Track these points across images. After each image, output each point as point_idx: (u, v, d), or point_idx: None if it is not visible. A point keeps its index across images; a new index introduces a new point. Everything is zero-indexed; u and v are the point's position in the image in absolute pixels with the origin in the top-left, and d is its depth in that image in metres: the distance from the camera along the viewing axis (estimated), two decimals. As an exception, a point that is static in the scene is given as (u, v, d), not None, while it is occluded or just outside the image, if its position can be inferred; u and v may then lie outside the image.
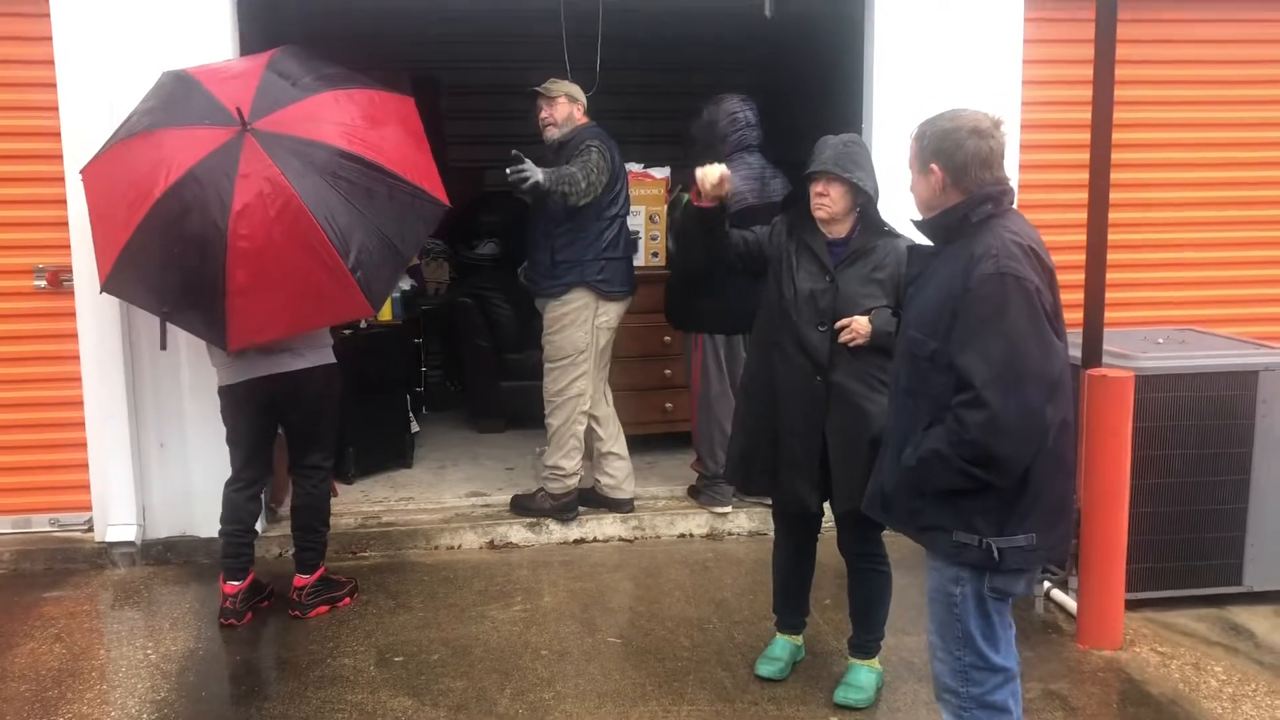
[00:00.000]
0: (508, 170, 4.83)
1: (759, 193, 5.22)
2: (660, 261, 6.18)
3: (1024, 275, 2.59)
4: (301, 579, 4.66)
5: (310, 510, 4.71)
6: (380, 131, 4.34)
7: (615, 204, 5.23)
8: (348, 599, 4.73)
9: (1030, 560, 2.74)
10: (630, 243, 5.44)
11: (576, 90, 5.33)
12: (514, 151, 4.88)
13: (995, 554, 2.69)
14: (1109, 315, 4.39)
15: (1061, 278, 4.72)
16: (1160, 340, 4.80)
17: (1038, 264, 2.65)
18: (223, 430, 5.22)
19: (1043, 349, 2.61)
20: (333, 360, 4.63)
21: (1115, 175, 4.38)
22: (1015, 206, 2.81)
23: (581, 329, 5.25)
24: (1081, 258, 4.34)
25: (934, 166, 2.74)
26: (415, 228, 4.35)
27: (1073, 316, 4.34)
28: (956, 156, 2.72)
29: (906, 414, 2.83)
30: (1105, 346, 4.34)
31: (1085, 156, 4.37)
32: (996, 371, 2.57)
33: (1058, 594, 4.60)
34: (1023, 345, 2.58)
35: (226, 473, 5.19)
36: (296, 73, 4.40)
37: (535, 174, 4.85)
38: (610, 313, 5.30)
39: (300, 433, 4.64)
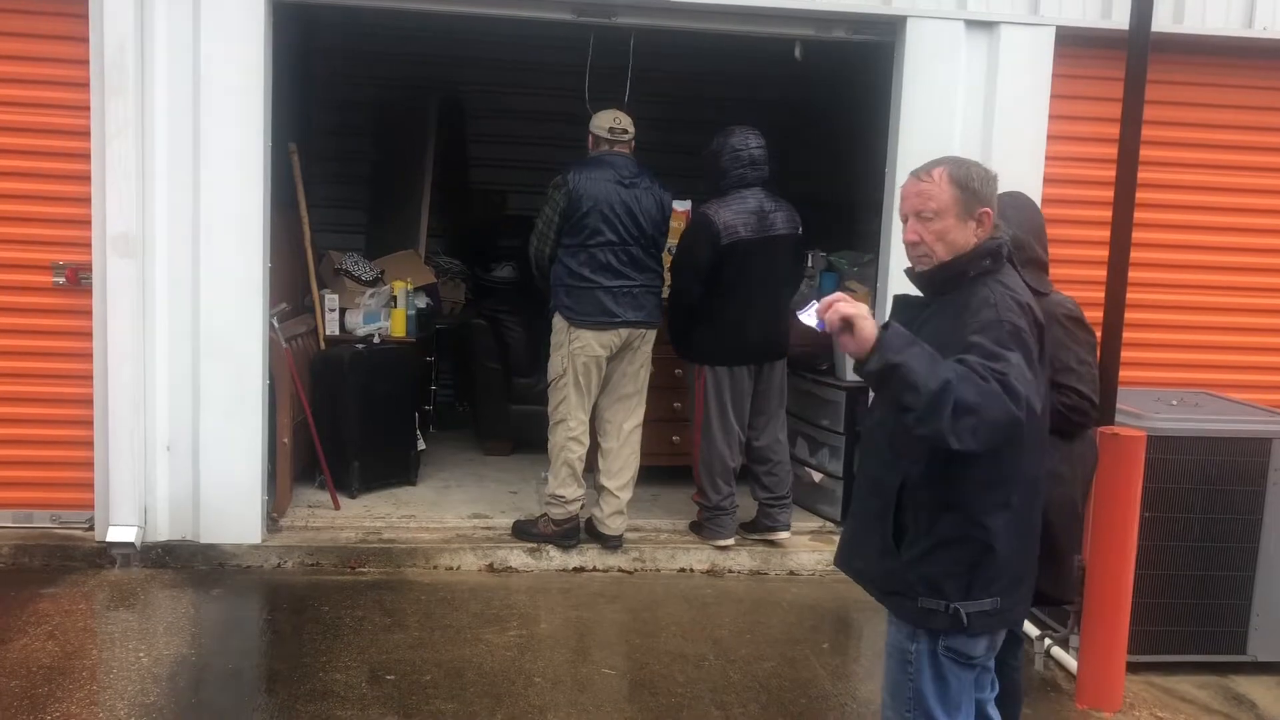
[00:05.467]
0: None
1: (754, 227, 5.29)
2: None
3: (1022, 327, 2.54)
4: None
5: None
6: None
7: (578, 233, 5.25)
8: None
9: (993, 624, 2.69)
10: (617, 272, 5.29)
11: (593, 120, 5.45)
12: None
13: (964, 619, 2.63)
14: (1124, 374, 4.37)
15: (1078, 334, 4.61)
16: (1174, 402, 4.77)
17: (1032, 320, 2.59)
18: (233, 435, 5.26)
19: (1036, 383, 2.52)
20: None
21: (1136, 234, 4.37)
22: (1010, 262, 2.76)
23: (559, 352, 5.33)
24: (1099, 315, 4.32)
25: (987, 212, 2.67)
26: None
27: (1087, 373, 4.36)
28: (994, 204, 2.69)
29: (880, 460, 2.78)
30: (1118, 405, 4.31)
31: (1107, 214, 4.36)
32: (1004, 364, 2.43)
33: (1058, 652, 4.56)
34: (1020, 366, 2.46)
35: (233, 477, 5.23)
36: None
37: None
38: (586, 340, 5.27)
39: None
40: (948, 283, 2.67)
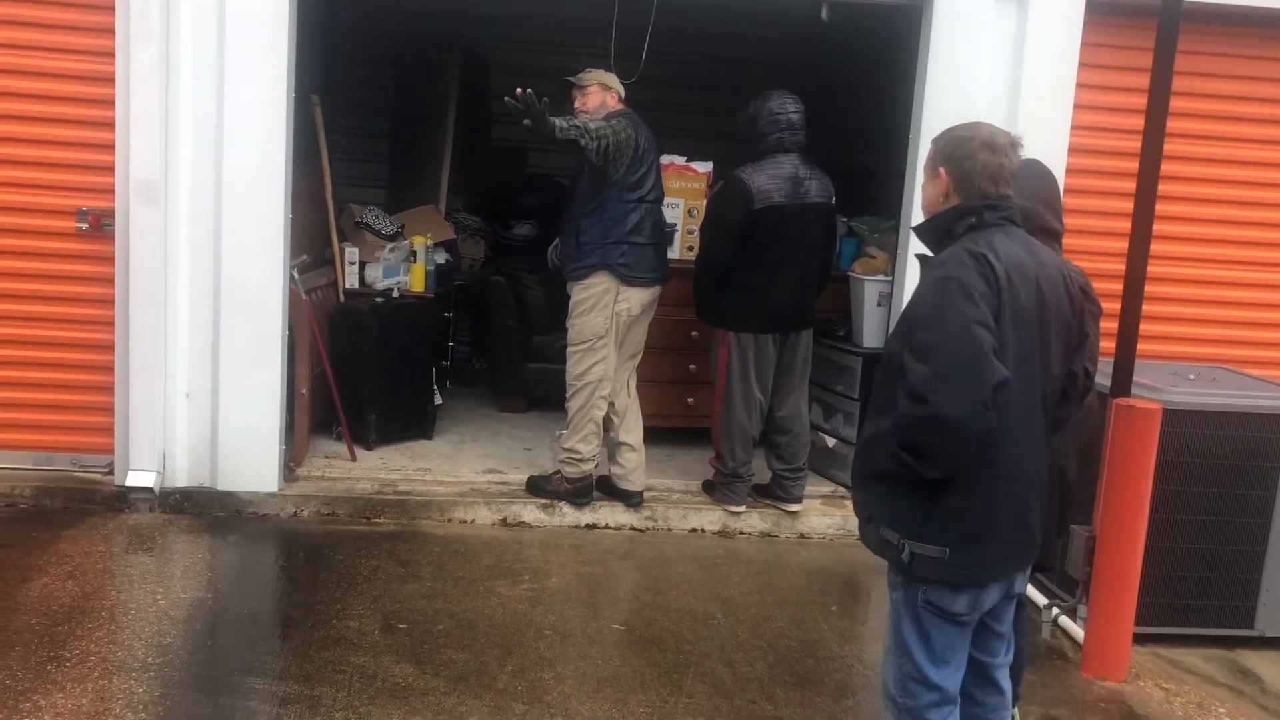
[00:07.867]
0: (506, 99, 4.68)
1: (788, 193, 5.23)
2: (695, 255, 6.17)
3: (967, 280, 2.58)
4: None
5: None
6: None
7: (640, 187, 5.20)
8: None
9: (941, 573, 2.69)
10: (660, 231, 5.41)
11: (610, 79, 5.35)
12: (528, 90, 4.62)
13: (909, 556, 2.69)
14: (1144, 347, 4.35)
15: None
16: (1191, 376, 4.76)
17: (989, 271, 2.62)
18: (252, 385, 5.29)
19: (973, 352, 2.54)
20: None
21: (1161, 206, 4.34)
22: (1011, 224, 2.77)
23: (602, 314, 5.25)
24: (1119, 287, 4.31)
25: (942, 172, 2.77)
26: None
27: (1105, 345, 4.34)
28: (964, 165, 2.74)
29: (872, 415, 2.88)
30: (1135, 378, 4.30)
31: (1132, 185, 4.33)
32: (932, 370, 2.54)
33: (1066, 621, 4.58)
34: (955, 344, 2.54)
35: (251, 426, 5.28)
36: None
37: (539, 115, 4.68)
38: (632, 299, 5.27)
39: None
40: (938, 238, 2.80)
